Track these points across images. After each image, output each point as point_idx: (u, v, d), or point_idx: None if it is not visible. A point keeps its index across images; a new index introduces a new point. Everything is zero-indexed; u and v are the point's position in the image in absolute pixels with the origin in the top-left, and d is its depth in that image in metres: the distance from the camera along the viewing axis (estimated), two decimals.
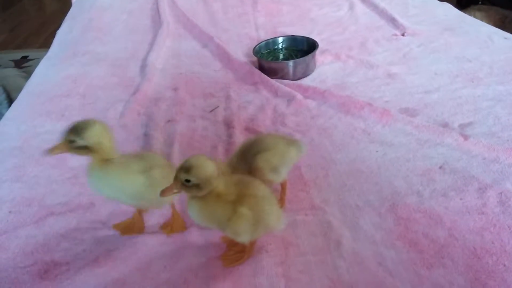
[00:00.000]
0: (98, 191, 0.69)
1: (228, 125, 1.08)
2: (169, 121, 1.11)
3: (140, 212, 0.78)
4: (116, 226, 0.78)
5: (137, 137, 1.05)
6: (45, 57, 1.43)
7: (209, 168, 0.60)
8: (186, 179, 0.59)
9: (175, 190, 0.60)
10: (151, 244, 0.74)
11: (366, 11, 1.64)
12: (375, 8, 1.63)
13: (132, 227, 0.77)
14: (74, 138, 0.64)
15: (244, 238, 0.64)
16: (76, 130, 0.64)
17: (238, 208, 0.61)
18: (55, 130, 1.06)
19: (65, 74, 1.30)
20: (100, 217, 0.81)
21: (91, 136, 0.64)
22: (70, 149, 0.65)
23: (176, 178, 0.60)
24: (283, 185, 0.81)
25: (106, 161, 0.67)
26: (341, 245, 0.70)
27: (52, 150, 0.65)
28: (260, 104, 1.16)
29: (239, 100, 1.19)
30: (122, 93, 1.23)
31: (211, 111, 1.15)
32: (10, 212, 0.81)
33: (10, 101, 1.93)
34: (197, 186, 0.60)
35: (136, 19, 1.69)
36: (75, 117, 1.11)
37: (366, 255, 0.68)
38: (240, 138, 1.02)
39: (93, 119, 0.66)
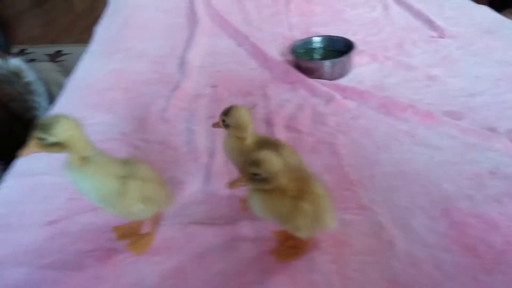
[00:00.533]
0: (76, 188, 0.66)
1: (268, 122, 1.09)
2: (210, 117, 1.13)
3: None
4: (116, 229, 0.77)
5: (180, 131, 1.07)
6: (88, 52, 1.46)
7: (277, 163, 0.62)
8: (254, 172, 0.61)
9: (243, 183, 0.62)
10: (204, 235, 0.75)
11: (401, 12, 1.63)
12: (410, 9, 1.62)
13: (130, 232, 0.77)
14: (43, 135, 0.60)
15: (304, 233, 0.66)
16: (44, 127, 0.60)
17: (300, 203, 0.63)
18: (104, 122, 1.10)
19: (108, 69, 1.33)
20: None
21: (60, 132, 0.61)
22: (42, 147, 0.62)
23: (244, 171, 0.62)
24: None
25: (84, 159, 0.64)
26: (395, 246, 0.71)
27: (23, 152, 0.61)
28: (298, 103, 1.17)
29: (277, 98, 1.20)
30: (163, 88, 1.25)
31: (249, 108, 1.16)
32: (69, 199, 0.84)
33: (50, 93, 1.98)
34: (265, 180, 0.61)
35: (171, 17, 1.71)
36: (122, 110, 1.15)
37: (421, 257, 0.68)
38: (281, 136, 1.03)
39: (61, 114, 0.63)
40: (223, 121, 0.73)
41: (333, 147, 0.98)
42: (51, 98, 1.93)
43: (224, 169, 0.93)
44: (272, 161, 0.61)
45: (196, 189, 0.88)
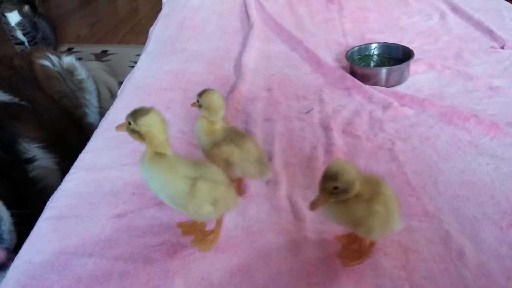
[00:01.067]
0: (146, 182, 0.68)
1: (325, 127, 1.09)
2: (266, 120, 1.14)
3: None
4: (179, 224, 0.79)
5: None
6: (145, 52, 1.52)
7: (352, 171, 0.61)
8: (334, 186, 0.60)
9: (326, 201, 0.62)
10: (268, 235, 0.76)
11: (459, 21, 1.60)
12: (469, 19, 1.58)
13: (195, 229, 0.78)
14: (130, 120, 0.65)
15: (377, 235, 0.66)
16: (134, 114, 0.65)
17: (374, 206, 0.63)
18: None
19: (166, 69, 1.37)
20: None
21: (143, 124, 0.64)
22: (128, 130, 0.66)
23: (323, 188, 0.61)
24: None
25: (157, 155, 0.66)
26: (464, 255, 0.69)
27: (118, 127, 0.68)
28: (354, 108, 1.17)
29: (333, 103, 1.20)
30: (219, 89, 1.25)
31: (306, 112, 1.17)
32: (133, 193, 0.87)
33: (98, 92, 2.05)
34: (344, 191, 0.61)
35: (225, 20, 1.75)
36: (180, 110, 1.18)
37: (492, 268, 0.67)
38: (339, 141, 1.03)
39: (154, 108, 0.66)
40: (198, 101, 0.79)
41: (392, 154, 0.97)
42: (99, 97, 2.01)
43: (285, 171, 0.94)
44: (347, 170, 0.61)
45: (258, 190, 0.89)
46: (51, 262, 0.73)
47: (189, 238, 0.77)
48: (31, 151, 1.30)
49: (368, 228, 0.64)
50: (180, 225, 0.79)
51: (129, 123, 0.65)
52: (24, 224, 0.98)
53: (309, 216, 0.81)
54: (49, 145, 1.39)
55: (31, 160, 1.28)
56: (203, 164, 0.70)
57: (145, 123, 0.64)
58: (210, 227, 0.78)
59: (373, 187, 0.65)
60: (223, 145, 0.78)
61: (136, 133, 0.65)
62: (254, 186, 0.90)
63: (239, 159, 0.79)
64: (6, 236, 0.92)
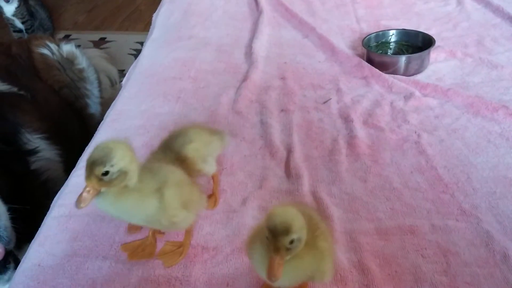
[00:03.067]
0: (110, 214, 0.60)
1: (345, 118, 1.04)
2: (282, 110, 1.08)
3: (154, 234, 0.71)
4: (124, 247, 0.70)
5: (254, 124, 1.03)
6: (150, 39, 1.45)
7: (301, 218, 0.50)
8: (291, 241, 0.48)
9: (282, 261, 0.48)
10: None
11: (478, 7, 1.53)
12: (488, 4, 1.52)
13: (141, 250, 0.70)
14: (107, 168, 0.53)
15: (330, 275, 0.56)
16: (103, 159, 0.53)
17: (320, 244, 0.53)
18: (174, 111, 1.07)
19: (174, 57, 1.31)
20: (232, 203, 0.80)
21: (120, 158, 0.54)
22: (104, 185, 0.55)
23: (277, 248, 0.48)
24: (214, 178, 0.78)
25: (124, 187, 0.57)
26: (509, 258, 0.64)
27: (81, 202, 0.54)
28: (374, 99, 1.11)
29: (351, 93, 1.14)
30: (231, 79, 1.22)
31: (324, 102, 1.12)
32: None
33: (99, 81, 1.98)
34: (300, 241, 0.49)
35: (233, 5, 1.67)
36: (191, 100, 1.12)
37: None
38: (361, 133, 0.98)
39: (114, 141, 0.56)
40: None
41: (419, 147, 0.92)
42: (100, 86, 1.93)
43: (306, 164, 0.88)
44: (299, 219, 0.49)
45: (278, 186, 0.84)
46: (63, 265, 0.68)
47: (209, 239, 0.71)
48: (33, 142, 1.24)
49: (322, 271, 0.54)
50: (125, 247, 0.70)
51: (104, 174, 0.53)
52: (24, 220, 0.93)
53: (337, 213, 0.76)
54: (52, 136, 1.33)
55: (34, 152, 1.22)
56: (160, 169, 0.62)
57: (122, 159, 0.54)
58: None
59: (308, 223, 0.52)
60: None
61: (119, 177, 0.55)
62: (274, 180, 0.85)
63: None
64: (2, 232, 0.86)
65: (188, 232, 0.70)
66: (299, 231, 0.49)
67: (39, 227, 0.78)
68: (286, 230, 0.47)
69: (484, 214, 0.73)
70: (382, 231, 0.72)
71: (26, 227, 0.92)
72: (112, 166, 0.53)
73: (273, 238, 0.48)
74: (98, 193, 0.55)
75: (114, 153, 0.54)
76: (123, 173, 0.55)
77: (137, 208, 0.57)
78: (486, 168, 0.84)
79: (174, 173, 0.63)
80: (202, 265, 0.67)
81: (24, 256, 0.72)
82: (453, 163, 0.86)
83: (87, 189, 0.53)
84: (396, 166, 0.87)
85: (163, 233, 0.72)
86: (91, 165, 0.53)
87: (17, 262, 0.89)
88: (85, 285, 0.65)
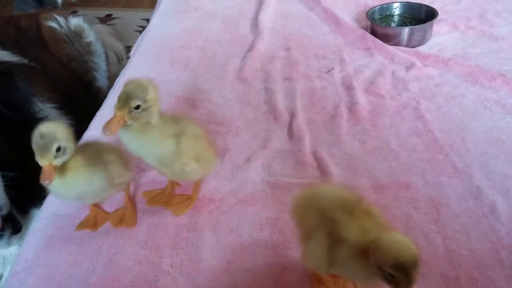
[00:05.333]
0: (133, 151, 0.63)
1: (348, 86, 1.07)
2: (286, 78, 1.12)
3: (172, 184, 0.75)
4: (145, 194, 0.75)
5: (258, 91, 1.07)
6: (158, 10, 1.48)
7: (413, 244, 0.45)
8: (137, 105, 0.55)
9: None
10: (295, 189, 0.75)
11: None
12: None
13: (160, 197, 0.75)
14: (139, 102, 0.56)
15: None
16: (133, 95, 0.56)
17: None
18: (181, 79, 1.11)
19: (182, 27, 1.34)
20: (237, 160, 0.84)
21: (151, 98, 0.58)
22: (133, 118, 0.57)
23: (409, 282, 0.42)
24: (197, 182, 0.75)
25: (146, 124, 0.60)
26: (496, 210, 0.68)
27: (110, 128, 0.56)
28: (376, 68, 1.14)
29: (354, 63, 1.17)
30: (237, 49, 1.25)
31: (327, 71, 1.15)
32: None
33: (107, 55, 2.01)
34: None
35: None
36: (197, 68, 1.16)
37: None
38: (362, 99, 1.01)
39: (142, 79, 0.59)
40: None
41: (418, 112, 0.95)
42: (107, 61, 1.96)
43: (308, 128, 0.92)
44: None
45: (280, 146, 0.88)
46: (78, 214, 0.73)
47: (215, 192, 0.76)
48: (45, 111, 1.28)
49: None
50: (146, 194, 0.75)
51: (136, 107, 0.57)
52: (30, 186, 0.96)
53: (336, 171, 0.80)
54: (63, 107, 1.37)
55: (44, 120, 1.26)
56: (182, 119, 0.66)
57: (152, 97, 0.58)
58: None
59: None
60: None
61: (142, 115, 0.58)
62: (277, 141, 0.89)
63: None
64: None
65: (197, 186, 0.75)
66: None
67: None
68: (416, 263, 0.42)
69: (476, 172, 0.77)
70: (378, 186, 0.76)
71: (32, 193, 0.95)
72: (144, 102, 0.57)
73: (404, 274, 0.42)
74: (123, 125, 0.58)
75: (148, 90, 0.58)
76: (149, 110, 0.58)
77: (155, 145, 0.61)
78: (481, 131, 0.87)
79: (194, 127, 0.67)
80: (208, 215, 0.71)
81: (41, 208, 0.77)
82: (450, 127, 0.90)
83: (117, 119, 0.56)
84: (394, 129, 0.91)
85: (180, 185, 0.77)
86: (127, 97, 0.56)
87: (16, 227, 0.91)
88: (100, 230, 0.70)
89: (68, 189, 0.60)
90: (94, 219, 0.71)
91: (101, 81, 1.87)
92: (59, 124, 0.58)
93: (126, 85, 0.58)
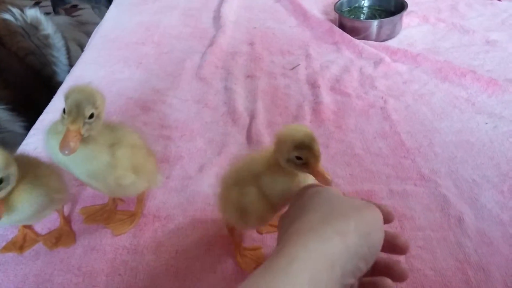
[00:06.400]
0: (61, 164, 0.56)
1: (312, 84, 1.01)
2: (248, 76, 1.05)
3: (114, 200, 0.69)
4: (82, 211, 0.68)
5: (218, 90, 1.00)
6: (114, 2, 1.38)
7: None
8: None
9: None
10: None
11: None
12: None
13: (100, 214, 0.68)
14: (93, 110, 0.50)
15: None
16: (89, 99, 0.49)
17: None
18: (135, 77, 1.03)
19: (138, 21, 1.25)
20: (189, 170, 0.77)
21: (100, 103, 0.51)
22: (87, 130, 0.50)
23: (313, 154, 0.46)
24: (139, 197, 0.68)
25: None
26: (463, 222, 0.63)
27: (72, 149, 0.48)
28: (343, 64, 1.08)
29: (320, 59, 1.11)
30: (197, 44, 1.17)
31: (292, 68, 1.08)
32: None
33: (67, 48, 1.90)
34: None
35: None
36: (153, 66, 1.07)
37: (494, 236, 0.61)
38: (327, 99, 0.95)
39: (80, 85, 0.52)
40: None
41: (385, 112, 0.90)
42: (69, 54, 1.85)
43: (268, 131, 0.86)
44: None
45: (237, 152, 0.82)
46: (5, 236, 0.65)
47: (165, 207, 0.69)
48: None
49: None
50: (84, 210, 0.68)
51: (90, 116, 0.49)
52: None
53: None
54: (16, 107, 1.27)
55: None
56: (119, 127, 0.59)
57: (100, 102, 0.51)
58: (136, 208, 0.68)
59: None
60: None
61: (96, 123, 0.51)
62: (234, 146, 0.82)
63: None
64: None
65: (140, 201, 0.67)
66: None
67: None
68: (313, 138, 0.47)
69: (443, 178, 0.72)
70: None
71: None
72: (95, 108, 0.50)
73: (308, 150, 0.46)
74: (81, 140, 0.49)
75: (95, 95, 0.50)
76: (99, 117, 0.51)
77: (87, 158, 0.53)
78: (449, 133, 0.82)
79: (132, 135, 0.59)
80: (152, 234, 0.64)
81: None
82: (417, 129, 0.84)
83: (73, 134, 0.48)
84: (359, 131, 0.85)
85: (123, 200, 0.69)
86: (78, 108, 0.48)
87: None
88: (29, 254, 0.62)
89: (10, 216, 0.52)
90: (21, 241, 0.63)
91: (62, 76, 1.77)
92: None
93: (70, 95, 0.50)
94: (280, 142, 0.47)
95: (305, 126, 0.48)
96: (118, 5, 1.37)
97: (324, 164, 0.76)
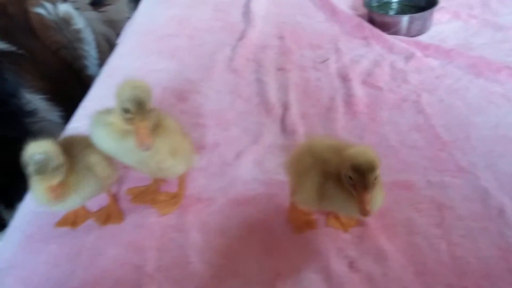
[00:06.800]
0: (107, 150, 0.58)
1: (344, 77, 1.01)
2: (279, 69, 1.06)
3: (157, 181, 0.71)
4: (129, 191, 0.71)
5: (249, 82, 1.01)
6: None
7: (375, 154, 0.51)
8: (376, 176, 0.50)
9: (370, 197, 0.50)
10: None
11: None
12: None
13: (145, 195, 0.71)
14: (151, 105, 0.55)
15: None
16: (147, 95, 0.54)
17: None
18: (169, 68, 1.05)
19: (170, 15, 1.27)
20: (226, 156, 0.79)
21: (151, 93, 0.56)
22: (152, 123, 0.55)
23: (367, 185, 0.49)
24: (181, 177, 0.70)
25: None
26: (505, 213, 0.63)
27: (145, 141, 0.53)
28: (374, 59, 1.08)
29: (350, 53, 1.11)
30: (227, 37, 1.19)
31: (322, 62, 1.09)
32: None
33: (97, 43, 1.94)
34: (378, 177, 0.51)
35: None
36: (186, 58, 1.09)
37: None
38: (359, 92, 0.95)
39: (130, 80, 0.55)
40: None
41: (418, 106, 0.90)
42: (98, 48, 1.89)
43: (303, 121, 0.87)
44: (374, 156, 0.51)
45: (273, 141, 0.83)
46: (58, 212, 0.67)
47: (207, 190, 0.70)
48: (34, 103, 1.21)
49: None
50: (130, 191, 0.70)
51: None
52: (16, 180, 0.92)
53: None
54: (53, 97, 1.30)
55: (32, 113, 1.19)
56: (153, 113, 0.59)
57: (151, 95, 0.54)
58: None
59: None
60: None
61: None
62: (269, 136, 0.83)
63: None
64: None
65: (182, 183, 0.69)
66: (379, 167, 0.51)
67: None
68: (372, 168, 0.49)
69: (482, 171, 0.72)
70: None
71: (18, 188, 0.91)
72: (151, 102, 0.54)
73: (363, 175, 0.49)
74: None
75: (150, 89, 0.55)
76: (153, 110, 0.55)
77: (134, 149, 0.55)
78: (486, 128, 0.82)
79: (167, 120, 0.61)
80: (196, 214, 0.66)
81: (21, 204, 0.72)
82: (452, 122, 0.84)
83: (146, 130, 0.52)
84: (393, 124, 0.86)
85: (165, 181, 0.72)
86: (141, 104, 0.52)
87: (1, 224, 0.88)
88: (81, 230, 0.65)
89: (64, 204, 0.57)
90: (74, 217, 0.67)
91: (92, 69, 1.81)
92: (49, 142, 0.55)
93: (127, 92, 0.53)
94: (344, 160, 0.50)
95: (372, 151, 0.51)
96: (149, 0, 1.39)
97: None
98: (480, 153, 0.76)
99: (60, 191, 0.53)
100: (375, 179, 0.50)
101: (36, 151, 0.53)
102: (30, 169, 0.53)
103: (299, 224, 0.64)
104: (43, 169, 0.52)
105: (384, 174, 0.72)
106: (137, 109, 0.52)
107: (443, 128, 0.83)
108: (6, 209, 0.94)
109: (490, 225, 0.62)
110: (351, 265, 0.59)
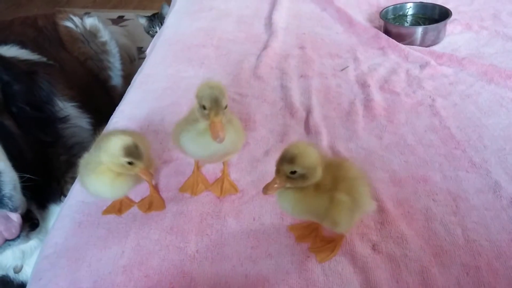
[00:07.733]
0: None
1: (362, 84, 1.08)
2: (301, 76, 1.13)
3: (198, 168, 0.78)
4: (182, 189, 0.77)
5: (274, 88, 1.09)
6: (173, 10, 1.50)
7: (313, 155, 0.54)
8: (291, 170, 0.53)
9: (277, 185, 0.55)
10: None
11: None
12: None
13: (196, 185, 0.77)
14: (226, 102, 0.62)
15: (344, 227, 0.58)
16: (222, 93, 0.61)
17: (337, 196, 0.56)
18: (199, 75, 1.13)
19: (197, 27, 1.36)
20: (255, 154, 0.86)
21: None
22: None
23: (278, 170, 0.54)
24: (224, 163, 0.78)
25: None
26: None
27: (221, 135, 0.59)
28: (390, 67, 1.15)
29: (368, 62, 1.18)
30: (251, 47, 1.27)
31: (342, 70, 1.16)
32: None
33: (121, 55, 2.04)
34: (303, 177, 0.54)
35: None
36: (214, 66, 1.18)
37: None
38: (377, 96, 1.02)
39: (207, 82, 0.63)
40: (292, 172, 0.54)
41: (434, 109, 0.96)
42: (122, 60, 1.99)
43: (325, 123, 0.94)
44: (307, 154, 0.53)
45: (300, 138, 0.90)
46: (104, 201, 0.75)
47: (239, 183, 0.77)
48: (66, 110, 1.29)
49: (333, 221, 0.57)
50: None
51: (293, 172, 0.55)
52: (50, 183, 0.98)
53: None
54: (83, 105, 1.38)
55: (66, 120, 1.27)
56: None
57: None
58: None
59: (335, 172, 0.57)
60: None
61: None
62: (295, 136, 0.90)
63: None
64: (6, 201, 0.81)
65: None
66: (305, 167, 0.53)
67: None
68: (290, 160, 0.53)
69: (494, 167, 0.78)
70: (396, 180, 0.77)
71: (51, 189, 0.98)
72: (226, 99, 0.63)
73: (279, 161, 0.55)
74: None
75: (224, 89, 0.63)
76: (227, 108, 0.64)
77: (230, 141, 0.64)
78: (497, 128, 0.88)
79: (234, 119, 0.70)
80: (231, 203, 0.73)
81: (68, 195, 0.79)
82: (466, 124, 0.91)
83: (219, 125, 0.61)
84: (410, 125, 0.92)
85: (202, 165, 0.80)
86: (216, 101, 0.61)
87: (34, 224, 0.91)
88: (127, 217, 0.72)
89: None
90: (119, 205, 0.74)
91: (116, 80, 1.90)
92: (218, 82, 0.63)
93: (204, 92, 0.62)
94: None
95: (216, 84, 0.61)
96: (176, 13, 1.48)
97: (379, 152, 0.84)
98: (492, 151, 0.82)
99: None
100: (292, 173, 0.53)
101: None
102: (206, 103, 0.60)
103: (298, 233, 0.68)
104: (218, 103, 0.60)
105: (403, 169, 0.80)
106: (212, 105, 0.60)
107: (457, 129, 0.89)
108: (38, 209, 0.97)
109: (501, 213, 0.68)
110: (374, 247, 0.65)
